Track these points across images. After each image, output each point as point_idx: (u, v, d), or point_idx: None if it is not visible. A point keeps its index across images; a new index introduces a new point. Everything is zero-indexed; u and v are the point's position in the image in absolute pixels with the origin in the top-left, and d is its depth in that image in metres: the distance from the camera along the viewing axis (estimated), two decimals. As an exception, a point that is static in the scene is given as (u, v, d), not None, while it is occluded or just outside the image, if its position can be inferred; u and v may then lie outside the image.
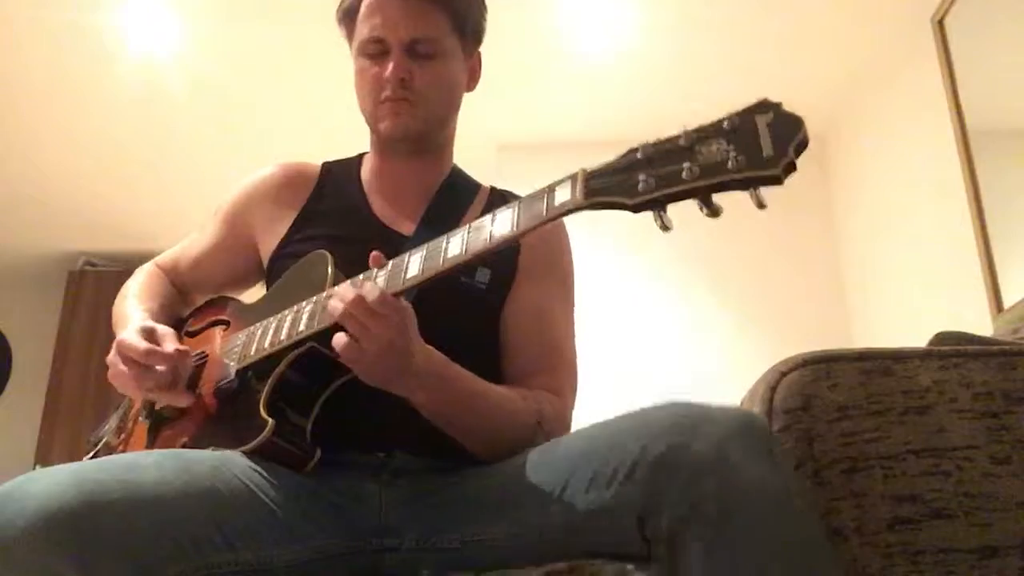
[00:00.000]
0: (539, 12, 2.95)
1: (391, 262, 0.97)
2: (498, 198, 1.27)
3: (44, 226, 4.40)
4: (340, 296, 0.93)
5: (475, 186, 1.29)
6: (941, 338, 1.06)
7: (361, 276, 0.99)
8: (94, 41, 3.07)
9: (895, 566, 0.85)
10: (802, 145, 0.72)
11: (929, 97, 2.77)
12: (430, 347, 0.98)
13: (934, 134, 2.74)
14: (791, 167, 0.71)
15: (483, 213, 1.20)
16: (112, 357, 1.06)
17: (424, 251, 0.94)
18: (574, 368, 1.18)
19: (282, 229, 1.22)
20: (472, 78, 1.26)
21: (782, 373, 0.94)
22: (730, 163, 0.73)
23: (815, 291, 3.39)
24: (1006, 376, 0.94)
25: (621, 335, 3.26)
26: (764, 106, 0.75)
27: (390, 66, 1.13)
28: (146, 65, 3.19)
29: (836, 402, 0.91)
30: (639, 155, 0.80)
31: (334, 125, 3.10)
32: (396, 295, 0.93)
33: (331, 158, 1.33)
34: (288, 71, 3.28)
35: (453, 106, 1.23)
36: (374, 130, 1.21)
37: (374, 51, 1.16)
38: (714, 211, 0.76)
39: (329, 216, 1.22)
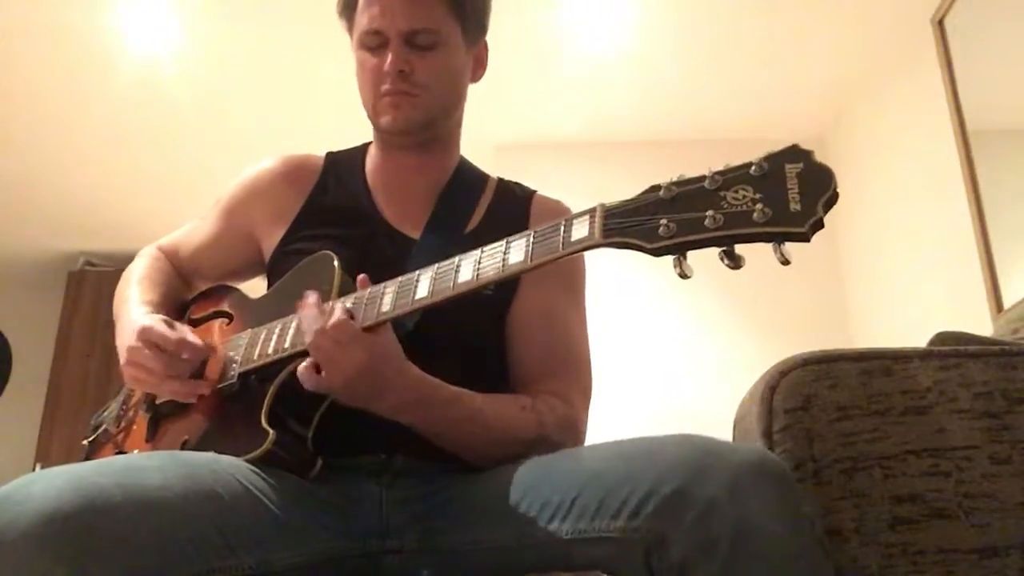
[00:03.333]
0: (539, 12, 2.95)
1: (399, 281, 0.94)
2: (506, 193, 1.25)
3: (44, 226, 4.40)
4: (308, 323, 0.93)
5: (482, 180, 1.26)
6: (941, 338, 1.06)
7: (367, 293, 0.97)
8: (94, 41, 3.07)
9: (895, 566, 0.85)
10: (831, 201, 0.70)
11: (929, 97, 2.77)
12: (412, 371, 0.96)
13: (934, 134, 2.74)
14: (819, 224, 0.70)
15: (489, 212, 1.20)
16: (135, 343, 1.05)
17: (432, 272, 0.92)
18: (586, 371, 1.15)
19: (284, 224, 1.20)
20: (478, 68, 1.23)
21: (782, 373, 0.94)
22: (756, 215, 0.71)
23: (815, 291, 3.39)
24: (1006, 376, 0.94)
25: (620, 335, 3.26)
26: (795, 153, 0.73)
27: (388, 57, 1.11)
28: (146, 65, 3.19)
29: (836, 402, 0.91)
30: (661, 194, 0.77)
31: (334, 124, 3.09)
32: (380, 324, 0.93)
33: (311, 152, 1.30)
34: (288, 71, 3.27)
35: (456, 97, 1.20)
36: (375, 125, 1.19)
37: (373, 43, 1.13)
38: (736, 263, 0.74)
39: (334, 213, 1.20)
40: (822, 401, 0.91)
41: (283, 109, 3.51)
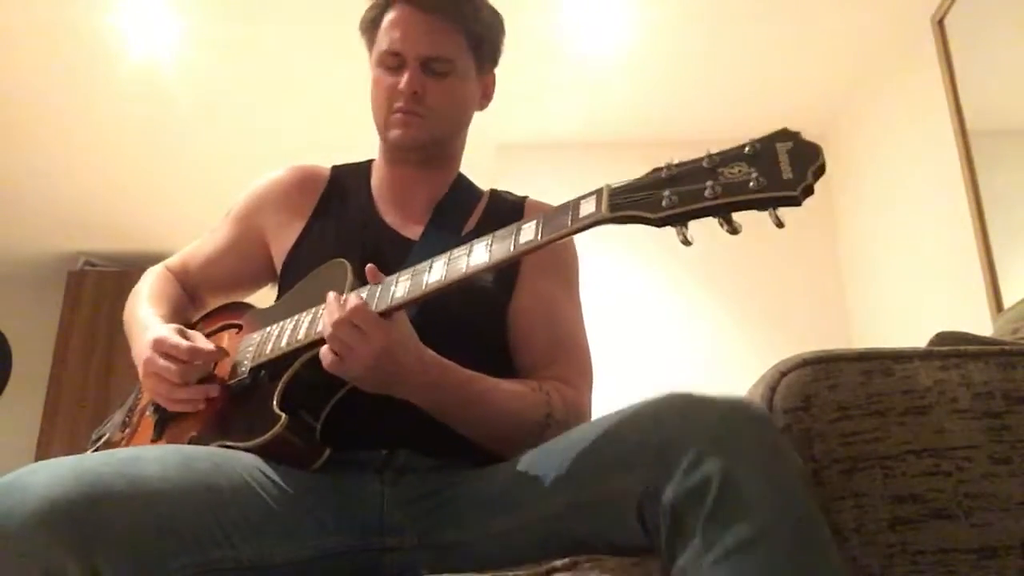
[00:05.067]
0: (539, 12, 2.95)
1: (413, 269, 0.97)
2: (499, 199, 1.31)
3: (44, 226, 4.40)
4: (327, 313, 0.95)
5: (477, 192, 1.32)
6: (941, 338, 1.06)
7: (379, 284, 1.00)
8: (94, 41, 3.07)
9: (895, 566, 0.85)
10: (820, 170, 0.75)
11: (929, 97, 2.77)
12: (428, 355, 0.99)
13: (934, 134, 2.74)
14: (809, 190, 0.75)
15: (484, 215, 1.25)
16: (150, 355, 1.08)
17: (445, 258, 0.95)
18: (586, 356, 1.20)
19: (293, 232, 1.25)
20: (485, 96, 1.29)
21: (782, 373, 0.94)
22: (751, 183, 0.76)
23: (815, 291, 3.39)
24: (1006, 376, 0.94)
25: (620, 335, 3.26)
26: (784, 135, 0.79)
27: (404, 78, 1.17)
28: (146, 65, 3.19)
29: (836, 402, 0.91)
30: (663, 174, 0.82)
31: (334, 125, 3.10)
32: (392, 310, 0.95)
33: (331, 157, 1.35)
34: (288, 72, 3.28)
35: (461, 123, 1.27)
36: (384, 138, 1.24)
37: (391, 63, 1.19)
38: (734, 228, 0.79)
39: (339, 221, 1.24)
40: (822, 401, 0.91)
41: (283, 110, 3.51)
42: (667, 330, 3.39)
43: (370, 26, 1.24)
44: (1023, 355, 0.96)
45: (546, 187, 1.33)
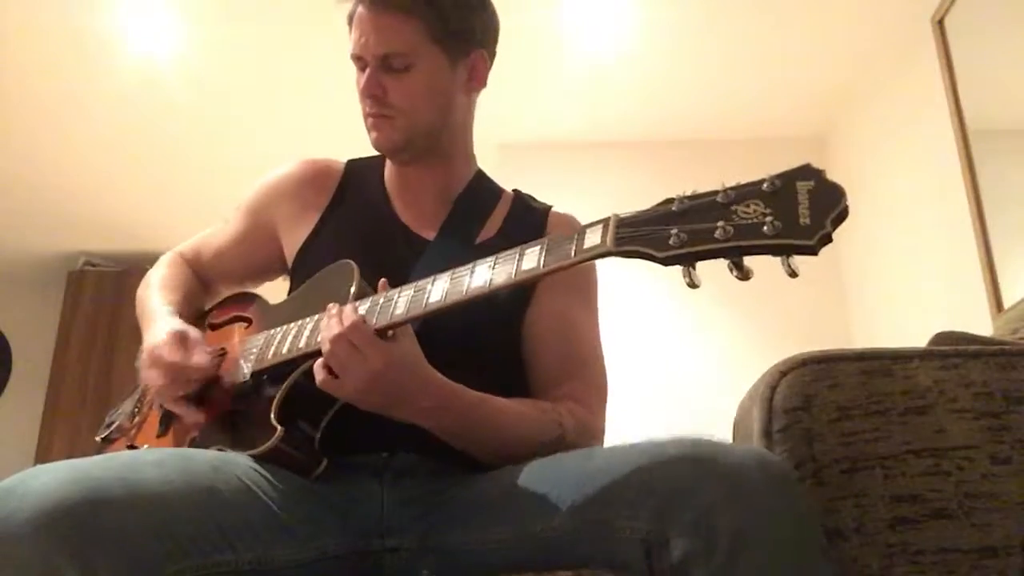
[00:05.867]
0: (540, 12, 2.95)
1: (415, 284, 0.95)
2: (522, 205, 1.28)
3: (44, 226, 4.40)
4: (325, 330, 0.94)
5: (498, 192, 1.29)
6: (941, 338, 1.06)
7: (381, 297, 0.98)
8: (94, 42, 3.07)
9: (895, 566, 0.85)
10: (841, 217, 0.71)
11: (929, 97, 2.77)
12: (432, 377, 0.97)
13: (934, 134, 2.74)
14: (827, 239, 0.71)
15: (506, 222, 1.23)
16: (144, 360, 1.08)
17: (447, 277, 0.93)
18: (602, 374, 1.17)
19: (306, 227, 1.23)
20: (473, 79, 1.20)
21: (782, 373, 0.94)
22: (766, 227, 0.72)
23: (815, 291, 3.39)
24: (1006, 376, 0.94)
25: (620, 336, 3.26)
26: (806, 172, 0.75)
27: (362, 82, 1.14)
28: (145, 65, 3.19)
29: (836, 402, 0.91)
30: (674, 207, 0.79)
31: (333, 125, 3.10)
32: (391, 327, 0.93)
33: (331, 157, 1.33)
34: (288, 71, 3.28)
35: (442, 114, 1.18)
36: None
37: (358, 65, 1.17)
38: (744, 274, 0.75)
39: (353, 216, 1.22)
40: (822, 401, 0.91)
41: (283, 110, 3.51)
42: (667, 329, 3.39)
43: (348, 24, 1.20)
44: (1023, 355, 0.96)
45: (547, 186, 1.32)
